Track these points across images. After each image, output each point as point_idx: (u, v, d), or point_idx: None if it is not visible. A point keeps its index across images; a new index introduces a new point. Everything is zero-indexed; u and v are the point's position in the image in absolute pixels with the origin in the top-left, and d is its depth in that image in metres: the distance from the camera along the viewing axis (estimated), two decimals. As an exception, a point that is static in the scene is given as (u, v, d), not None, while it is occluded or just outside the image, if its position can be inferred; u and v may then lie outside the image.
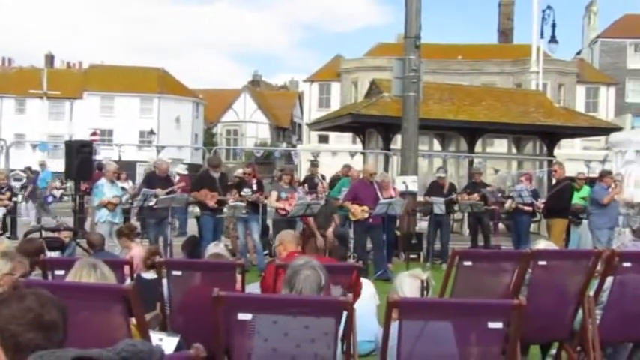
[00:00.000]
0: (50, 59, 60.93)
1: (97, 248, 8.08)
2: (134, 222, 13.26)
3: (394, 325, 3.36)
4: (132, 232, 8.80)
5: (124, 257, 6.72)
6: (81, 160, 11.03)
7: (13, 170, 43.01)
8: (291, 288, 3.66)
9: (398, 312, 3.31)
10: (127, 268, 5.42)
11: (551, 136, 20.25)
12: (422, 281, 3.87)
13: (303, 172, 27.84)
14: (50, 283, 3.91)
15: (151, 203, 11.86)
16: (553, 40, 27.19)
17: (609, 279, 5.82)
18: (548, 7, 26.42)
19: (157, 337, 4.08)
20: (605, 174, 13.11)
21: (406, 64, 14.32)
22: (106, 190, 11.66)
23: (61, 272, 4.86)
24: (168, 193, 12.02)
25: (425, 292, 3.84)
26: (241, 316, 3.25)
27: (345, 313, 3.42)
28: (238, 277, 5.84)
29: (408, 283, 3.89)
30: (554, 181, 13.99)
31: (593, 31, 53.25)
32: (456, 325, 3.31)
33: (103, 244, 8.23)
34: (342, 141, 39.89)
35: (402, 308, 3.28)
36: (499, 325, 3.26)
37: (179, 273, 5.11)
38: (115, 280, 3.84)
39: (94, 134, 37.43)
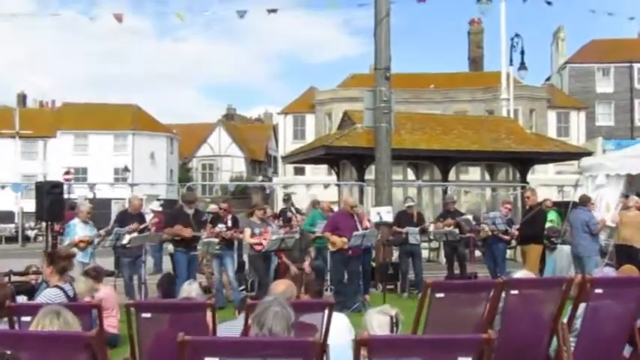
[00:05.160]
0: (22, 98, 60.62)
1: (68, 291, 7.92)
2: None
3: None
4: (99, 274, 8.67)
5: (92, 300, 6.59)
6: (51, 200, 10.91)
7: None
8: (261, 326, 3.60)
9: (367, 350, 3.27)
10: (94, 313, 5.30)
11: (523, 162, 20.42)
12: (391, 317, 3.83)
13: (279, 205, 27.80)
14: (11, 334, 3.81)
15: (125, 242, 11.75)
16: (522, 66, 27.65)
17: (582, 306, 5.83)
18: (517, 35, 26.90)
19: (125, 384, 4.00)
20: (586, 199, 13.15)
21: (377, 96, 14.43)
22: (79, 230, 11.54)
23: (28, 319, 4.76)
24: (141, 231, 11.92)
25: (395, 328, 3.81)
26: (208, 360, 3.19)
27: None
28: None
29: (377, 320, 3.85)
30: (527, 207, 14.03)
31: (561, 57, 54.11)
32: (425, 361, 3.28)
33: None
34: (318, 172, 39.98)
35: (371, 346, 3.24)
36: (469, 359, 3.23)
37: (148, 315, 5.02)
38: (80, 326, 3.76)
39: (67, 173, 37.21)
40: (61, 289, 5.98)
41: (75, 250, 11.25)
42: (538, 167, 33.48)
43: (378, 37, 14.70)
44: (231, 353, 3.25)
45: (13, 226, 41.76)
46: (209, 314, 5.25)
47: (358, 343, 3.25)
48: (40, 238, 35.76)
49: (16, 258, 17.80)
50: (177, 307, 5.38)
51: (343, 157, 19.69)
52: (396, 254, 15.64)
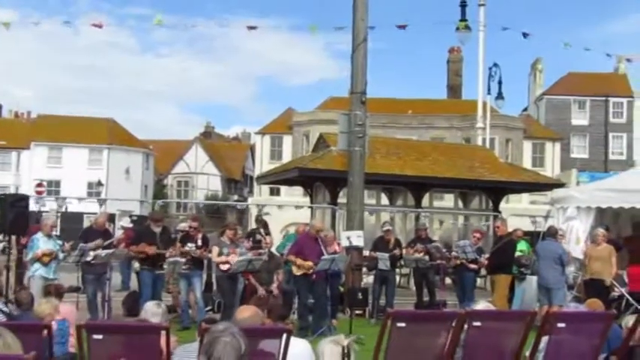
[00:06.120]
0: (-2, 108, 60.09)
1: (24, 307, 7.73)
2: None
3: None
4: (60, 292, 8.48)
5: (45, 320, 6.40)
6: (15, 214, 10.68)
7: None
8: (210, 356, 3.47)
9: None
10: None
11: (496, 191, 20.47)
12: (343, 348, 3.74)
13: (253, 225, 27.66)
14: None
15: (89, 258, 11.55)
16: (500, 96, 27.81)
17: (544, 339, 5.78)
18: (495, 65, 27.08)
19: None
20: (554, 231, 13.09)
21: (352, 119, 14.39)
22: (42, 244, 11.29)
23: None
24: (105, 247, 11.73)
25: (346, 359, 3.71)
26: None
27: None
28: (173, 338, 5.63)
29: (329, 350, 3.77)
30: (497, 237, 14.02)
31: (538, 88, 54.76)
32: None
33: (31, 303, 7.87)
34: (294, 193, 39.87)
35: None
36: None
37: (100, 337, 4.88)
38: (21, 349, 3.61)
39: (39, 185, 36.70)
40: None
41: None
42: (512, 197, 33.63)
43: (355, 61, 14.69)
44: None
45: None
46: (164, 337, 5.11)
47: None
48: (12, 252, 35.19)
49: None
50: (130, 329, 5.24)
51: (317, 180, 19.60)
52: (365, 279, 15.58)
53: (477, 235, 14.26)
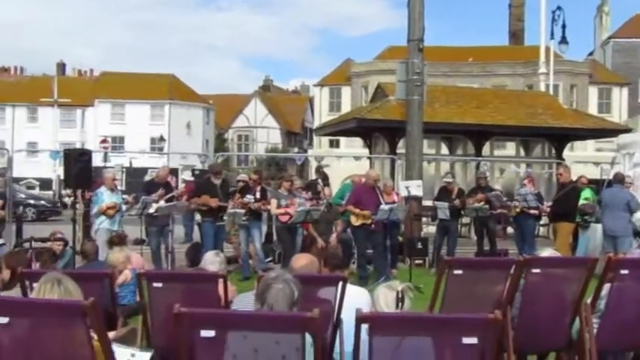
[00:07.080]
0: (62, 67, 61.25)
1: (91, 258, 7.97)
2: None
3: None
4: (123, 240, 8.69)
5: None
6: (79, 168, 10.90)
7: (26, 179, 42.85)
8: (263, 302, 3.52)
9: (368, 327, 3.17)
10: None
11: (559, 138, 19.98)
12: (397, 292, 3.73)
13: (314, 176, 27.74)
14: (7, 301, 3.78)
15: (151, 210, 11.79)
16: (563, 40, 26.99)
17: (607, 286, 5.65)
18: (559, 8, 26.28)
19: (128, 353, 3.96)
20: (621, 177, 12.70)
21: (409, 68, 14.19)
22: (106, 198, 11.61)
23: (38, 285, 4.76)
24: (168, 200, 11.95)
25: (400, 304, 3.71)
26: (204, 333, 3.12)
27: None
28: (232, 287, 5.73)
29: (384, 295, 3.77)
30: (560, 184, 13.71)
31: (605, 32, 52.84)
32: (429, 341, 3.16)
33: (96, 254, 8.11)
34: (353, 145, 39.75)
35: (371, 323, 3.13)
36: (474, 340, 3.10)
37: (159, 285, 4.99)
38: (82, 295, 3.71)
39: (103, 141, 37.52)
40: None
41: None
42: (577, 144, 32.80)
43: (411, 7, 14.44)
44: (227, 326, 3.17)
45: (51, 193, 42.42)
46: (221, 285, 5.19)
47: (358, 320, 3.16)
48: (77, 206, 36.16)
49: (51, 225, 18.01)
50: (188, 277, 5.33)
51: (375, 130, 19.46)
52: (425, 229, 15.50)
53: (525, 181, 14.04)
